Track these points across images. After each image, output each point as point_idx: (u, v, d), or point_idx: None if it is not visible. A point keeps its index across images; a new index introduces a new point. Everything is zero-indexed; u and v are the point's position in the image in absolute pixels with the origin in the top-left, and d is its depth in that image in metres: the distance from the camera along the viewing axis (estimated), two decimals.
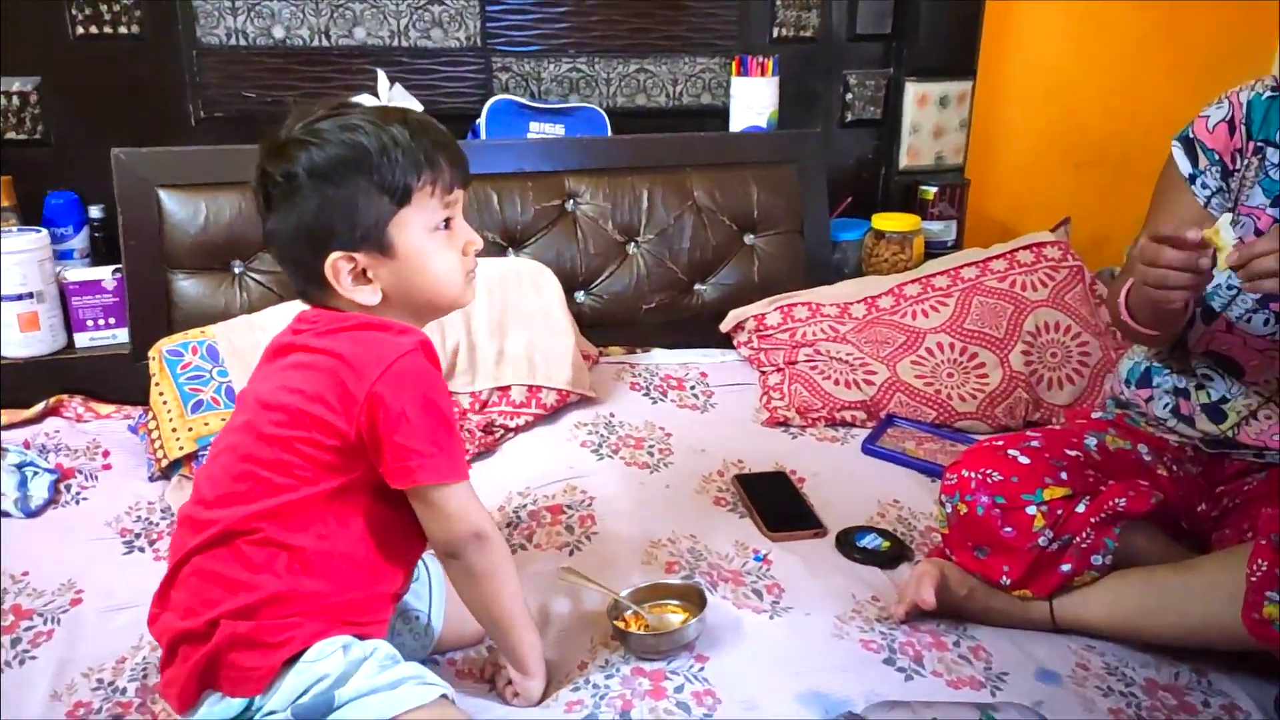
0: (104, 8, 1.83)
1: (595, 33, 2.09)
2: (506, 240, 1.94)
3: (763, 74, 2.13)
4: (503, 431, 1.71)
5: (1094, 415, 1.46)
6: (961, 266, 1.99)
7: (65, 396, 1.76)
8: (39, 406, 1.73)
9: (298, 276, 1.06)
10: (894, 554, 1.39)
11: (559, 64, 2.09)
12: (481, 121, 2.00)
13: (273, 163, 1.01)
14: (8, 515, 1.47)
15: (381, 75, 1.92)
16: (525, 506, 1.50)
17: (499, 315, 1.77)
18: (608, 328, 2.00)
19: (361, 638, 1.01)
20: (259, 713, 0.97)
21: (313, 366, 1.01)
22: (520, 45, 2.06)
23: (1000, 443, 1.32)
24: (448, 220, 1.05)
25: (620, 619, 1.19)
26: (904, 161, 2.36)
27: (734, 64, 2.14)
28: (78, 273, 1.79)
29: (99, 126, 1.87)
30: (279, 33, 1.93)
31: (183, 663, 0.98)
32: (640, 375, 1.93)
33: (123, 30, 1.85)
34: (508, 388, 1.74)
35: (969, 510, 1.25)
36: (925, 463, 1.65)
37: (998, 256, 1.99)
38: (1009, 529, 1.23)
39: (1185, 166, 1.27)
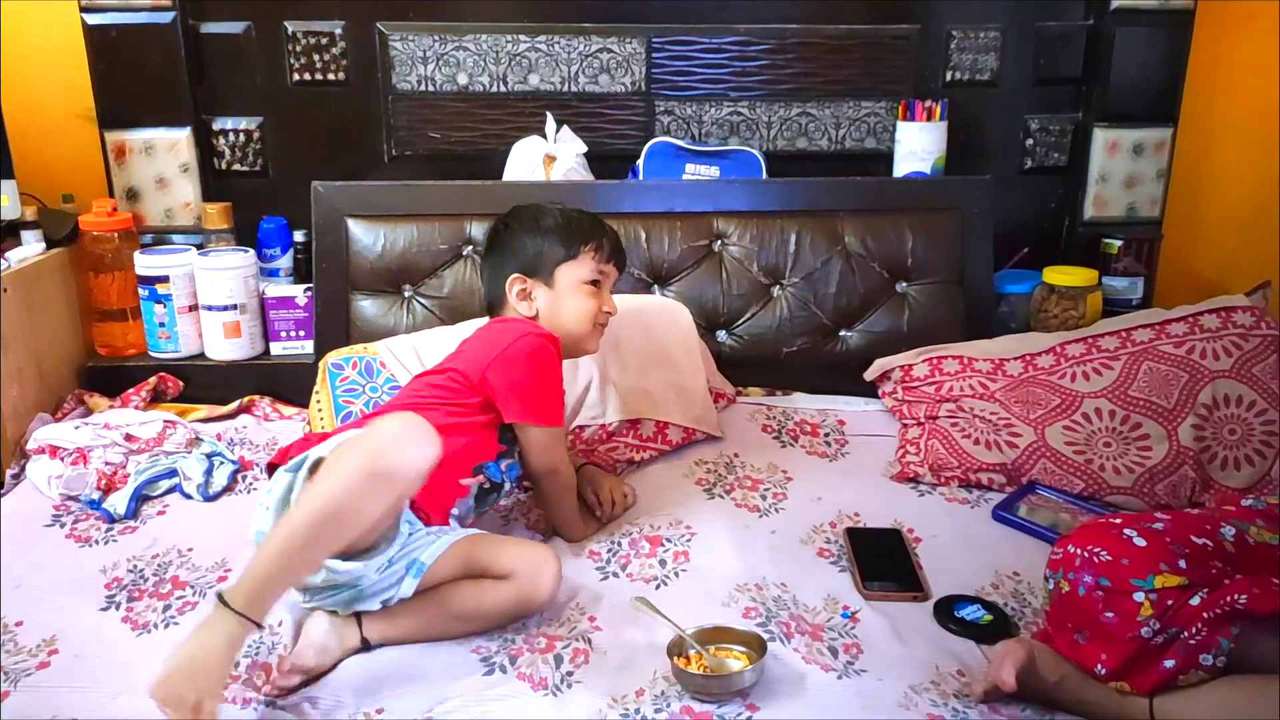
0: (316, 57, 2.08)
1: (758, 78, 2.13)
2: (652, 277, 2.00)
3: (929, 119, 2.07)
4: (626, 464, 1.76)
5: (1244, 503, 1.31)
6: (1134, 328, 1.84)
7: (257, 397, 1.99)
8: (234, 404, 1.97)
9: (490, 289, 1.59)
10: (995, 629, 1.31)
11: (720, 108, 2.14)
12: (640, 162, 2.08)
13: (506, 218, 1.61)
14: (189, 498, 1.68)
15: (550, 118, 2.05)
16: (629, 535, 1.54)
17: (631, 351, 1.82)
18: (748, 369, 2.01)
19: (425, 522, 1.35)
20: None
21: (469, 341, 1.52)
22: (683, 90, 2.13)
23: (1118, 520, 1.22)
24: (597, 281, 1.55)
25: (682, 656, 1.20)
26: (1090, 212, 2.22)
27: (900, 108, 2.10)
28: (275, 289, 2.03)
29: (308, 161, 2.12)
30: (463, 79, 2.10)
31: None
32: (775, 418, 1.92)
33: (331, 77, 2.10)
34: (636, 422, 1.79)
35: (1070, 589, 1.17)
36: (1059, 535, 1.53)
37: (1178, 319, 1.82)
38: (1110, 614, 1.13)
39: None
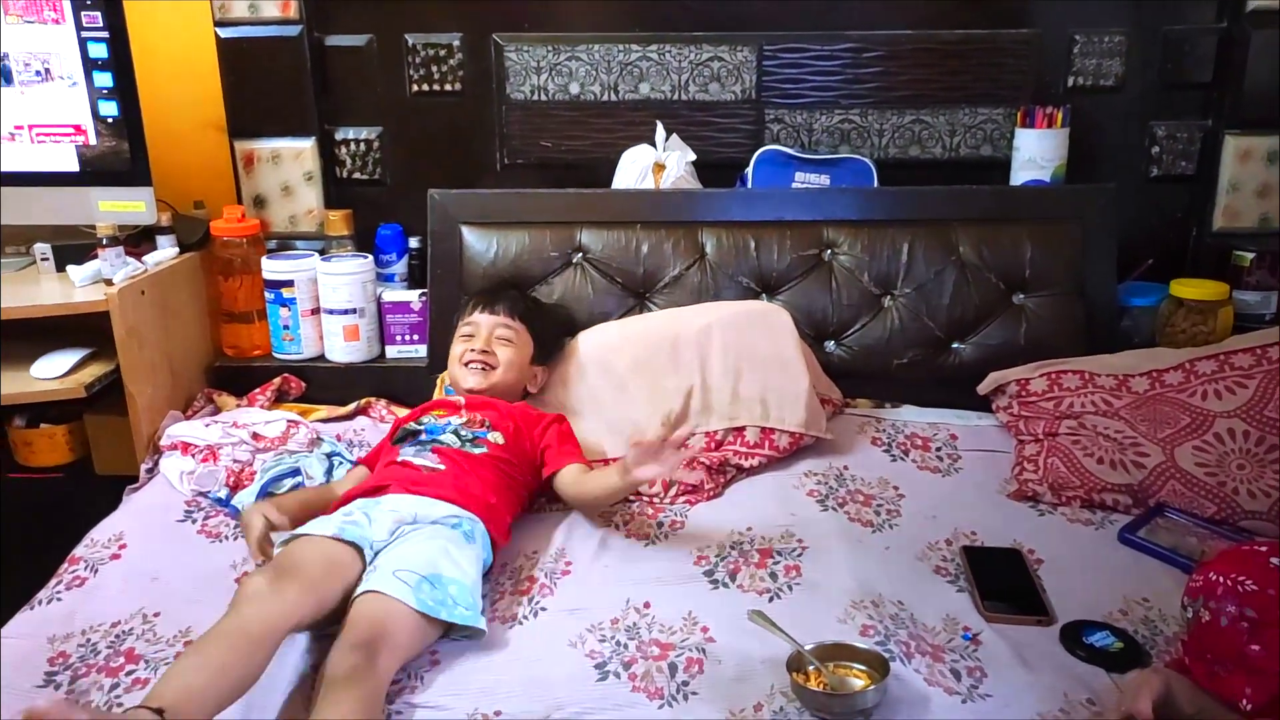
0: (434, 69, 2.13)
1: (871, 84, 2.10)
2: (760, 286, 1.99)
3: (1050, 125, 2.01)
4: (735, 471, 1.76)
5: None
6: (1271, 345, 1.75)
7: (373, 399, 2.05)
8: (352, 406, 2.03)
9: None
10: (1126, 657, 1.26)
11: (830, 116, 2.12)
12: (749, 170, 2.07)
13: None
14: None
15: (659, 126, 2.05)
16: (739, 544, 1.53)
17: (733, 357, 1.82)
18: (857, 380, 1.99)
19: None
20: None
21: None
22: (793, 98, 2.11)
23: (1264, 548, 1.16)
24: (469, 334, 1.79)
25: (800, 672, 1.19)
26: (1219, 223, 2.13)
27: (1019, 115, 2.04)
28: (392, 294, 2.09)
29: (424, 169, 2.17)
30: (574, 89, 2.13)
31: None
32: (884, 430, 1.89)
33: (448, 88, 2.15)
34: (742, 428, 1.79)
35: (1212, 618, 1.12)
36: (1193, 563, 1.47)
37: None
38: (1256, 647, 1.08)
39: None
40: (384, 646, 1.19)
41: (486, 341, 1.76)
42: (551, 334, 1.88)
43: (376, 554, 1.36)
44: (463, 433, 1.62)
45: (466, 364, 1.75)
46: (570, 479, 1.62)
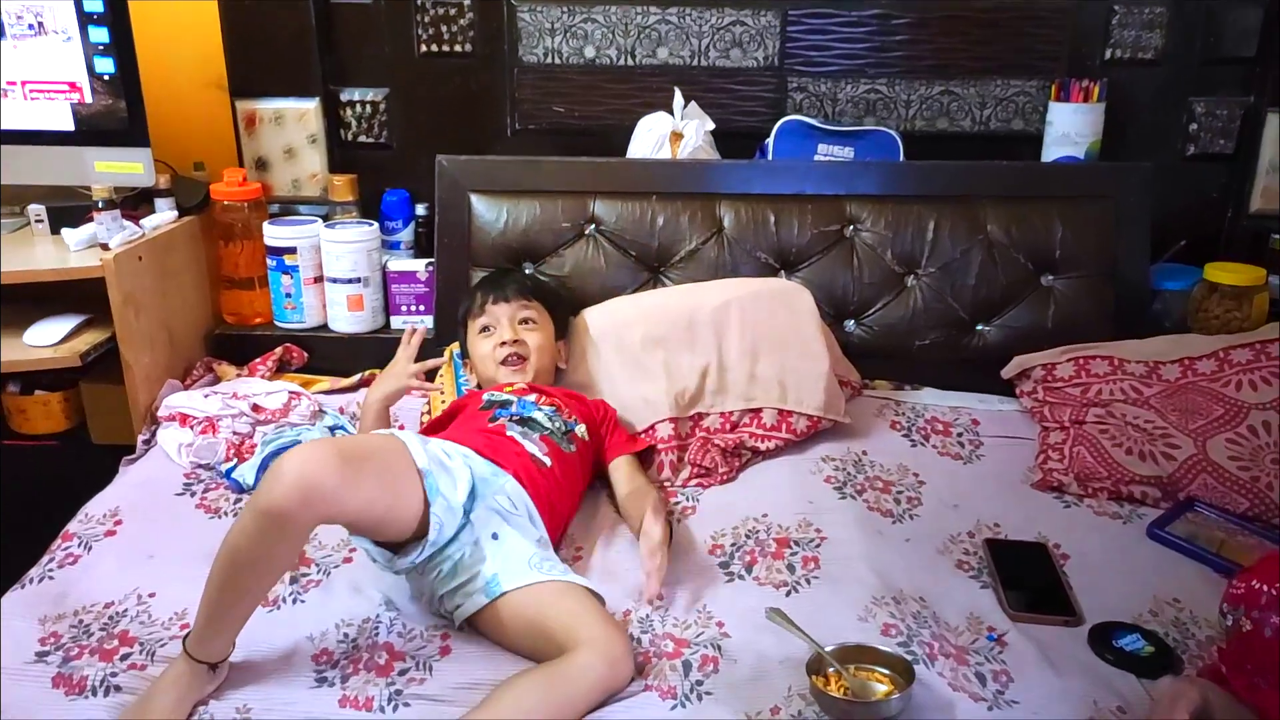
0: (444, 28, 2.05)
1: (898, 53, 2.01)
2: (779, 262, 1.92)
3: (1086, 99, 1.93)
4: (751, 454, 1.70)
5: None
6: None
7: (377, 370, 1.98)
8: (355, 377, 1.97)
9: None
10: (1157, 662, 1.21)
11: (856, 85, 2.04)
12: (770, 141, 2.00)
13: None
14: None
15: (678, 93, 1.97)
16: (755, 533, 1.48)
17: (751, 336, 1.76)
18: (877, 360, 1.93)
19: None
20: None
21: None
22: (817, 66, 2.03)
23: None
24: (486, 327, 1.70)
25: (820, 675, 1.14)
26: (1257, 204, 2.05)
27: (1053, 88, 1.96)
28: (398, 263, 2.03)
29: (432, 133, 2.10)
30: (590, 52, 2.05)
31: None
32: (904, 414, 1.84)
33: (458, 49, 2.07)
34: (759, 410, 1.73)
35: (1254, 628, 1.06)
36: (1225, 561, 1.42)
37: None
38: None
39: None
40: None
41: (513, 331, 1.68)
42: (563, 306, 1.82)
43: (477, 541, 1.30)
44: (556, 421, 1.55)
45: (503, 361, 1.66)
46: (622, 475, 1.59)
